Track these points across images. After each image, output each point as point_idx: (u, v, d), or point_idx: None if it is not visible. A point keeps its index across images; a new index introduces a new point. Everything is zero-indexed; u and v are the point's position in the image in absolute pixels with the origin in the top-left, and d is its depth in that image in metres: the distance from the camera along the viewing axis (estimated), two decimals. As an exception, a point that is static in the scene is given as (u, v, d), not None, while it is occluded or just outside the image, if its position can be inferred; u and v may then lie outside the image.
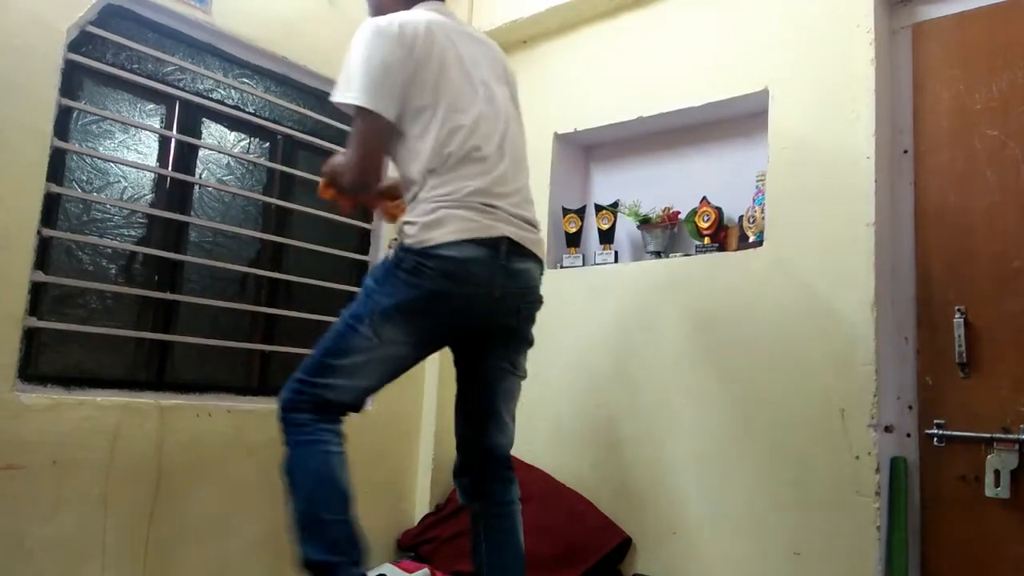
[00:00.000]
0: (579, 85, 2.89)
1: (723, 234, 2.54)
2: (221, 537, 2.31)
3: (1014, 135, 2.04)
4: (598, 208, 2.83)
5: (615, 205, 2.80)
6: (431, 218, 1.68)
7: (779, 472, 2.16)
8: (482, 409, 1.87)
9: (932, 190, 2.17)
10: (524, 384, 2.77)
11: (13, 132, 1.95)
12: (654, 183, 2.83)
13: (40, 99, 2.01)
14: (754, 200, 2.43)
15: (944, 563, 2.02)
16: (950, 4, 2.21)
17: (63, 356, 2.14)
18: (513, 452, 2.71)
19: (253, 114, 2.63)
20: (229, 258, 2.53)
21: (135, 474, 2.11)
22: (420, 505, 2.89)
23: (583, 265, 2.81)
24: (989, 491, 1.94)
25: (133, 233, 2.32)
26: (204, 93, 2.50)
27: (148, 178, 2.37)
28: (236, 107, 2.59)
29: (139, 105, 2.36)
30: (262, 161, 2.64)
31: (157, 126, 2.40)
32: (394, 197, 1.98)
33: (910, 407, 2.13)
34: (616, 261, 2.74)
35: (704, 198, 2.57)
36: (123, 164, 2.30)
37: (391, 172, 2.02)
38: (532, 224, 1.86)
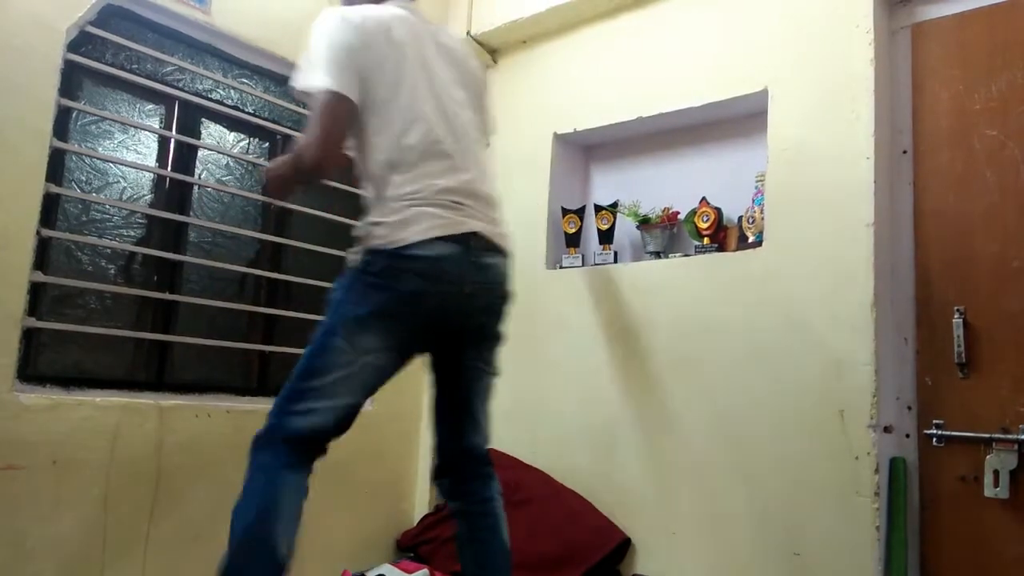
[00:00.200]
0: (579, 85, 2.89)
1: (722, 234, 2.54)
2: (220, 537, 2.29)
3: (1013, 135, 2.05)
4: (597, 208, 2.83)
5: (614, 205, 2.80)
6: (401, 217, 1.65)
7: (778, 472, 2.16)
8: (459, 411, 1.84)
9: (931, 190, 2.17)
10: (524, 384, 2.80)
11: (12, 132, 1.95)
12: (653, 183, 2.83)
13: (39, 99, 2.02)
14: (753, 200, 2.43)
15: (943, 563, 2.02)
16: (949, 4, 2.21)
17: (62, 356, 2.14)
18: (513, 452, 2.74)
19: (252, 114, 2.64)
20: (228, 258, 2.53)
21: (135, 474, 2.11)
22: (419, 505, 2.89)
23: (582, 265, 2.81)
24: (988, 491, 1.94)
25: (132, 233, 2.32)
26: (203, 93, 2.50)
27: (147, 178, 2.38)
28: (235, 107, 2.59)
29: (138, 105, 2.36)
30: (261, 161, 2.64)
31: (156, 126, 2.40)
32: None
33: (909, 407, 2.13)
34: (616, 261, 2.74)
35: (703, 198, 2.57)
36: (122, 164, 2.30)
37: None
38: (499, 220, 1.83)
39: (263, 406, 2.36)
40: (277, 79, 2.69)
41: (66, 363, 2.14)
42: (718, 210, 2.54)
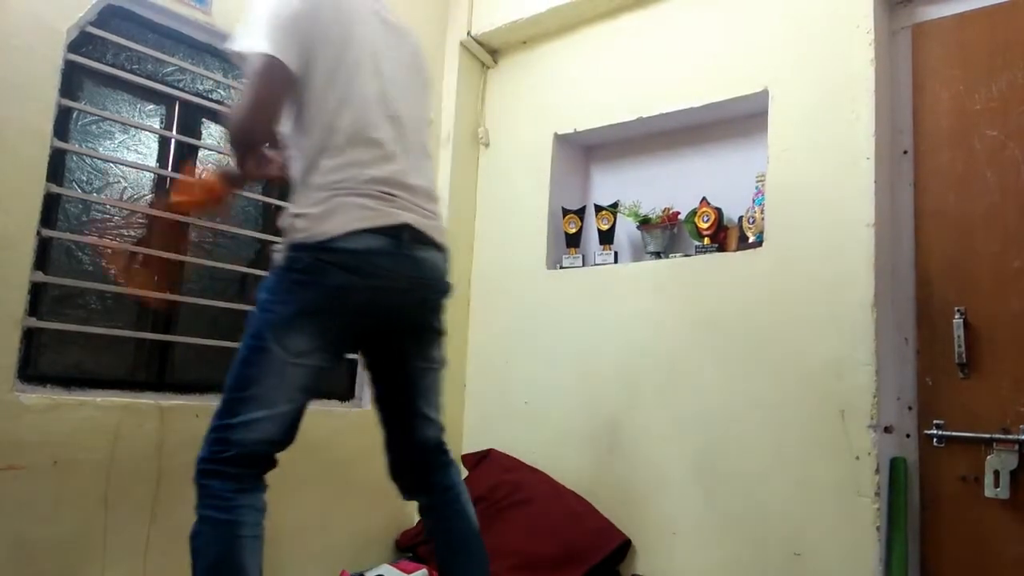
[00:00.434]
0: (579, 85, 2.89)
1: (723, 235, 2.54)
2: (221, 537, 2.30)
3: (1014, 135, 2.05)
4: (598, 208, 2.84)
5: (615, 205, 2.80)
6: (323, 208, 1.56)
7: (779, 473, 2.16)
8: (405, 410, 1.77)
9: (932, 191, 2.17)
10: (524, 384, 2.80)
11: (13, 132, 1.95)
12: (654, 183, 2.83)
13: (40, 99, 2.01)
14: (754, 200, 2.43)
15: (944, 563, 2.02)
16: (950, 4, 2.21)
17: (63, 356, 2.14)
18: (514, 452, 2.74)
19: (253, 114, 2.63)
20: (229, 258, 2.53)
21: (136, 474, 2.11)
22: (420, 505, 2.89)
23: (583, 266, 2.81)
24: (989, 491, 1.94)
25: (133, 233, 2.32)
26: (204, 93, 2.50)
27: (148, 178, 2.37)
28: (236, 107, 2.58)
29: (139, 105, 2.36)
30: (262, 161, 2.64)
31: (157, 126, 2.40)
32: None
33: (910, 408, 2.13)
34: (616, 262, 2.74)
35: (704, 198, 2.57)
36: (123, 164, 2.30)
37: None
38: (434, 212, 1.75)
39: (263, 406, 2.37)
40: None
41: (67, 363, 2.14)
42: (718, 210, 2.54)
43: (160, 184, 2.39)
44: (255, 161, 1.70)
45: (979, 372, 2.02)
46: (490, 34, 3.07)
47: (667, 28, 2.67)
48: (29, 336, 2.02)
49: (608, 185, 3.01)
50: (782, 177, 2.29)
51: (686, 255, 2.58)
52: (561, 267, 2.87)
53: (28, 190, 1.98)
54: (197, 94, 2.47)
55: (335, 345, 1.66)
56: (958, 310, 2.06)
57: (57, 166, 2.11)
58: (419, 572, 2.42)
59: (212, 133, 2.54)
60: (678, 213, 2.65)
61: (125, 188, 2.31)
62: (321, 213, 1.56)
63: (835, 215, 2.16)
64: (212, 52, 2.51)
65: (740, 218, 2.48)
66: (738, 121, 2.60)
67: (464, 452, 2.90)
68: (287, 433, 1.61)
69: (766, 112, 2.36)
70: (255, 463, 1.57)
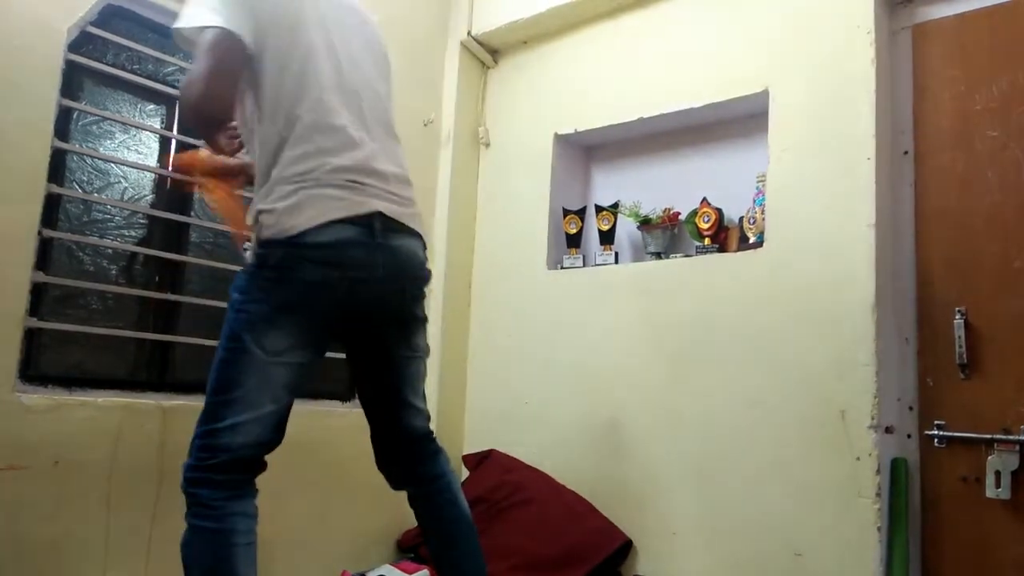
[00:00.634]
0: (579, 86, 2.89)
1: (723, 235, 2.55)
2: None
3: (1015, 136, 2.05)
4: (598, 209, 2.84)
5: (615, 206, 2.80)
6: (290, 202, 1.51)
7: (780, 473, 2.16)
8: (390, 400, 1.74)
9: (933, 191, 2.17)
10: (525, 384, 2.80)
11: (14, 132, 1.95)
12: (654, 184, 2.83)
13: (40, 99, 2.01)
14: (754, 201, 2.43)
15: (945, 564, 2.02)
16: (950, 5, 2.21)
17: (64, 357, 2.14)
18: (515, 453, 2.74)
19: (254, 114, 2.63)
20: (230, 259, 2.53)
21: (137, 475, 2.10)
22: (420, 505, 2.89)
23: (583, 266, 2.81)
24: (990, 492, 1.94)
25: (134, 234, 2.32)
26: (205, 93, 2.50)
27: (149, 178, 2.37)
28: (237, 107, 2.58)
29: (139, 105, 2.36)
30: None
31: (157, 126, 2.40)
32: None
33: (911, 408, 2.13)
34: (616, 262, 2.74)
35: (704, 199, 2.57)
36: (124, 164, 2.30)
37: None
38: (408, 199, 1.70)
39: (264, 406, 2.37)
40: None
41: (68, 363, 2.14)
42: (719, 211, 2.54)
43: (161, 184, 2.39)
44: (224, 135, 1.61)
45: (980, 372, 2.02)
46: (490, 34, 3.07)
47: (668, 28, 2.67)
48: (30, 336, 2.02)
49: (609, 185, 3.01)
50: (783, 177, 2.29)
51: (687, 255, 2.58)
52: (562, 267, 2.87)
53: (29, 190, 1.98)
54: (198, 94, 2.46)
55: (316, 341, 1.62)
56: (959, 310, 2.06)
57: (58, 166, 2.11)
58: (421, 573, 2.42)
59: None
60: (679, 213, 2.65)
61: (126, 188, 2.31)
62: (288, 207, 1.51)
63: (836, 215, 2.16)
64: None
65: (741, 218, 2.49)
66: (739, 121, 2.60)
67: (465, 453, 2.90)
68: (275, 433, 1.58)
69: (767, 112, 2.36)
70: (245, 467, 1.55)
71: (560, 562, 2.34)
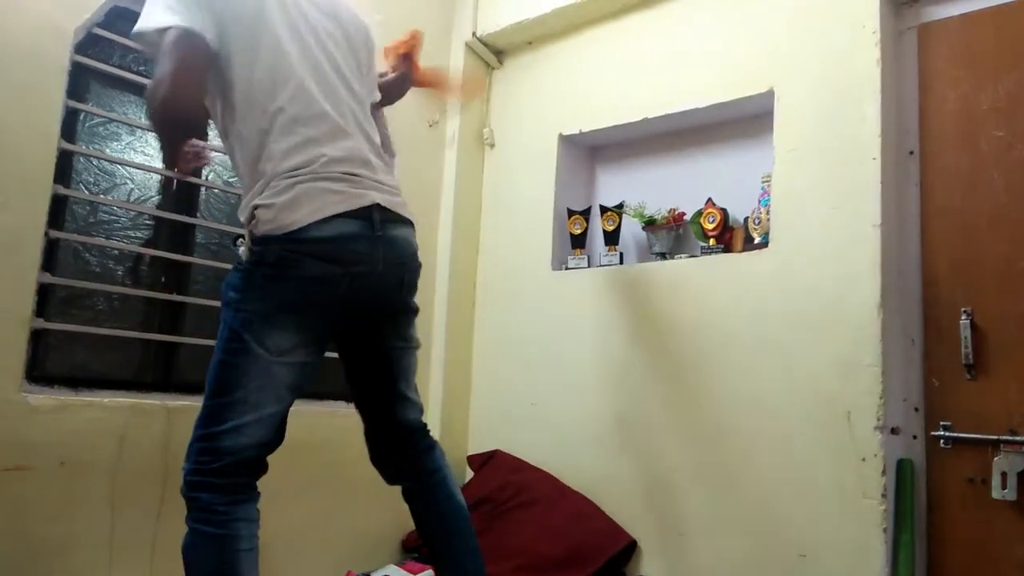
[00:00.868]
0: (584, 86, 2.89)
1: (728, 235, 2.54)
2: (227, 538, 2.30)
3: (1021, 136, 2.04)
4: (603, 209, 2.83)
5: (620, 206, 2.80)
6: (288, 197, 1.48)
7: (785, 474, 2.15)
8: (385, 393, 1.71)
9: (938, 191, 2.16)
10: (529, 385, 2.80)
11: (20, 134, 1.96)
12: (659, 184, 2.83)
13: (47, 101, 2.02)
14: (759, 201, 2.43)
15: (950, 565, 2.02)
16: (956, 5, 2.21)
17: (70, 357, 2.15)
18: (519, 453, 2.74)
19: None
20: (235, 260, 2.52)
21: (142, 475, 2.11)
22: (425, 506, 2.89)
23: (588, 267, 2.81)
24: (996, 493, 1.93)
25: (140, 235, 2.33)
26: (210, 95, 2.50)
27: (155, 180, 2.38)
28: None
29: (145, 107, 2.37)
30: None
31: (163, 128, 2.40)
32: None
33: (916, 409, 2.12)
34: (621, 262, 2.74)
35: (709, 199, 2.57)
36: (130, 166, 2.30)
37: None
38: (396, 187, 1.68)
39: (269, 407, 2.37)
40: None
41: (74, 364, 2.15)
42: (724, 211, 2.53)
43: (167, 185, 2.39)
44: (191, 149, 1.54)
45: (986, 373, 2.02)
46: (495, 35, 3.08)
47: (672, 29, 2.67)
48: (36, 337, 2.03)
49: (613, 186, 3.01)
50: (788, 178, 2.29)
51: (692, 256, 2.57)
52: (566, 268, 2.87)
53: (35, 192, 1.99)
54: (203, 95, 2.47)
55: (319, 338, 1.59)
56: (965, 311, 2.05)
57: (64, 167, 2.12)
58: (425, 573, 2.42)
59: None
60: (683, 214, 2.65)
61: (132, 189, 2.32)
62: (287, 202, 1.48)
63: (841, 216, 2.15)
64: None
65: (746, 219, 2.48)
66: (744, 122, 2.60)
67: (470, 453, 2.90)
68: (277, 434, 1.56)
69: (772, 112, 2.36)
70: (248, 470, 1.52)
71: (564, 563, 2.34)
